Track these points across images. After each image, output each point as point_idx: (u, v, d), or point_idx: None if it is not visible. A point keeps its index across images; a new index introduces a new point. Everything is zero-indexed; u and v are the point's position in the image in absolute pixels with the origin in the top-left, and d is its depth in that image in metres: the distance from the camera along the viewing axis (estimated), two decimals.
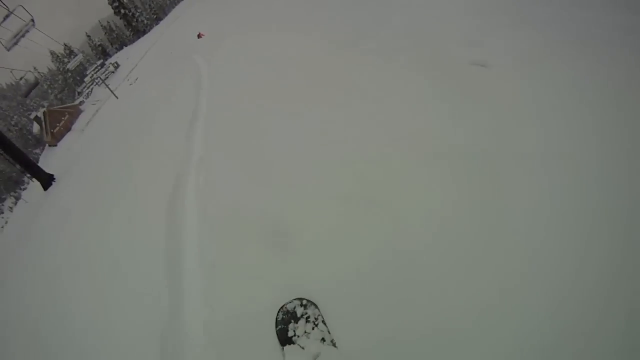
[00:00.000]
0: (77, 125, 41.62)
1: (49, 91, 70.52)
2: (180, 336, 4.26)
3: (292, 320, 3.77)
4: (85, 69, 65.71)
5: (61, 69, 70.22)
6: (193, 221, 5.90)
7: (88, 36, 73.83)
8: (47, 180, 19.12)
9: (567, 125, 4.38)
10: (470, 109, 5.09)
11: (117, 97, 29.39)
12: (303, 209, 4.98)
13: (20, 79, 35.34)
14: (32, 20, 25.21)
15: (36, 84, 36.85)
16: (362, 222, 4.40)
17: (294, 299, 3.93)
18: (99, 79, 38.70)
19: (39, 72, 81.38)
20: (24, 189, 52.31)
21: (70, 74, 65.85)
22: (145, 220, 6.66)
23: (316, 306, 3.82)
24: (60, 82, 70.60)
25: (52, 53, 68.81)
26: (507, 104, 4.98)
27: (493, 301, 3.18)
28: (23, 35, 26.08)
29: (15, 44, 25.75)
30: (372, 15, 10.18)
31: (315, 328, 3.62)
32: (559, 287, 3.11)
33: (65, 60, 68.09)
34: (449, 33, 7.31)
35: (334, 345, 3.51)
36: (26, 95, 37.39)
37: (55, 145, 42.11)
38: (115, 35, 74.47)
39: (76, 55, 53.53)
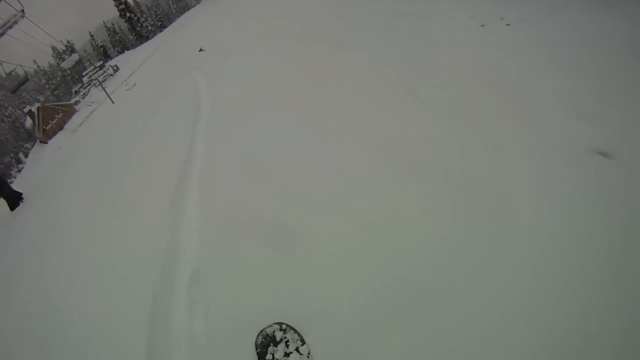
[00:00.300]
0: (70, 124, 41.57)
1: (47, 86, 70.24)
2: (166, 344, 4.36)
3: (272, 344, 3.81)
4: (85, 68, 65.62)
5: (60, 66, 70.05)
6: (189, 233, 6.00)
7: (91, 36, 74.04)
8: (14, 200, 17.20)
9: None
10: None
11: (113, 102, 29.47)
12: (302, 225, 5.05)
13: (10, 72, 34.77)
14: (22, 10, 24.72)
15: (25, 80, 36.31)
16: (361, 245, 4.41)
17: (274, 323, 3.95)
18: (96, 80, 38.57)
19: (38, 66, 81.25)
20: (11, 182, 51.70)
21: (69, 72, 65.66)
22: (142, 226, 6.79)
23: (295, 330, 3.86)
24: (58, 78, 70.39)
25: (54, 49, 68.76)
26: None
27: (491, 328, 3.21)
28: (11, 27, 25.57)
29: (2, 34, 25.30)
30: (411, 48, 8.44)
31: (295, 352, 3.67)
32: (561, 294, 3.24)
33: (65, 57, 67.95)
34: (536, 89, 5.53)
35: None
36: (14, 91, 36.82)
37: (46, 143, 41.92)
38: (118, 38, 74.77)
39: (73, 54, 52.79)
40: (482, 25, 8.29)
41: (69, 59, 44.64)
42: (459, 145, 5.22)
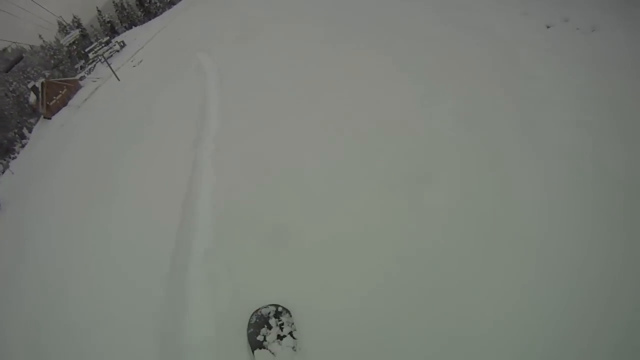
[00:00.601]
0: (74, 100, 41.65)
1: (52, 61, 70.22)
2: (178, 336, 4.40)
3: (265, 325, 3.81)
4: (91, 43, 65.48)
5: (60, 42, 69.59)
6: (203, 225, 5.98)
7: (99, 11, 73.71)
8: None
9: None
10: None
11: (118, 79, 29.36)
12: (303, 217, 5.09)
13: (4, 50, 34.84)
14: None
15: (19, 58, 36.34)
16: (359, 244, 4.42)
17: (270, 305, 3.97)
18: (102, 57, 38.26)
19: (44, 41, 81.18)
20: (14, 158, 52.12)
21: (75, 47, 65.46)
22: (145, 222, 6.75)
23: (290, 314, 3.86)
24: (64, 53, 70.28)
25: (59, 24, 68.58)
26: None
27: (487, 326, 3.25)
28: None
29: None
30: (476, 49, 7.06)
31: (288, 336, 3.68)
32: (562, 292, 3.25)
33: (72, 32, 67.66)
34: None
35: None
36: (7, 70, 36.70)
37: (50, 119, 42.08)
38: (125, 14, 74.40)
39: (74, 30, 51.26)
40: (548, 27, 6.99)
41: (69, 35, 43.66)
42: None
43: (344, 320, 3.69)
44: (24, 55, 37.11)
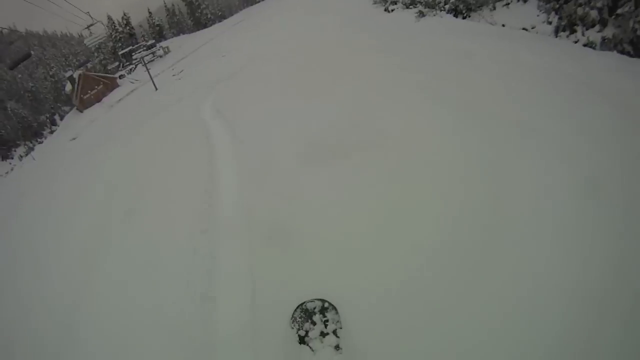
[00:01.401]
0: (109, 98, 42.30)
1: (95, 54, 71.98)
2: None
3: (309, 321, 3.77)
4: (137, 42, 66.97)
5: (113, 36, 70.98)
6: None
7: (149, 13, 75.84)
8: None
9: None
10: None
11: (156, 88, 29.64)
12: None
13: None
14: None
15: (27, 55, 37.23)
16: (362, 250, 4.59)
17: (316, 299, 3.93)
18: (143, 60, 38.01)
19: (91, 33, 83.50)
20: (40, 142, 53.18)
21: (120, 45, 66.99)
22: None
23: (337, 311, 3.80)
24: (109, 48, 71.98)
25: (109, 18, 70.45)
26: None
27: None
28: None
29: None
30: None
31: (332, 334, 3.63)
32: (561, 295, 3.41)
33: (119, 29, 69.09)
34: None
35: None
36: (12, 67, 37.10)
37: (82, 112, 42.87)
38: (175, 20, 76.53)
39: (102, 30, 47.42)
40: None
41: (94, 37, 41.21)
42: None
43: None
44: (32, 52, 37.83)
